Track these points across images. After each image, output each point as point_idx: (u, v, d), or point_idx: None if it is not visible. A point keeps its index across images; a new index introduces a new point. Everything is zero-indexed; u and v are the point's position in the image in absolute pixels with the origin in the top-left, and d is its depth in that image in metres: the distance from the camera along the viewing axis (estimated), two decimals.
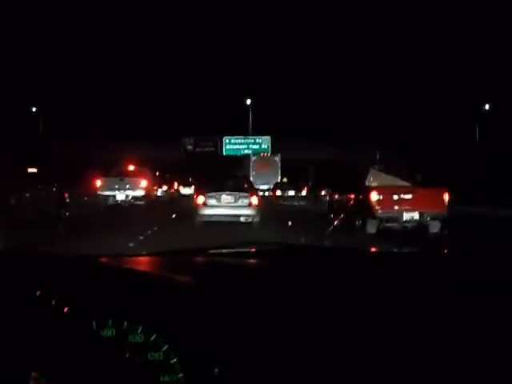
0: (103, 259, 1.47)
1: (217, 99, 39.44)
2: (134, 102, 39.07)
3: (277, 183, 34.43)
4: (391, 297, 1.17)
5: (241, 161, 39.19)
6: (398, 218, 10.62)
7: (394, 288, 1.24)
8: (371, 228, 10.76)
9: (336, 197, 14.76)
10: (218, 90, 40.25)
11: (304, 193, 32.11)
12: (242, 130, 38.68)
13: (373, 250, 2.54)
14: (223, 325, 0.98)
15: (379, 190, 10.74)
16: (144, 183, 19.18)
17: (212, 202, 12.08)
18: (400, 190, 10.99)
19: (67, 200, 12.62)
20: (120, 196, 18.83)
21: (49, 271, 1.16)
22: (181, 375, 0.93)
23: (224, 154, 38.60)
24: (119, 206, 18.57)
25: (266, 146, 38.56)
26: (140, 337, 0.97)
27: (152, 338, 0.96)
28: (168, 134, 35.50)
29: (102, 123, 34.29)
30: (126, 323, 0.98)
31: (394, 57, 36.01)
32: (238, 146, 38.86)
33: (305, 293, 1.16)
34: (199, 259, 1.64)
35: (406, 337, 0.98)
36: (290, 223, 12.60)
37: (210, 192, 12.23)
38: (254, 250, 1.69)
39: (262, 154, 38.50)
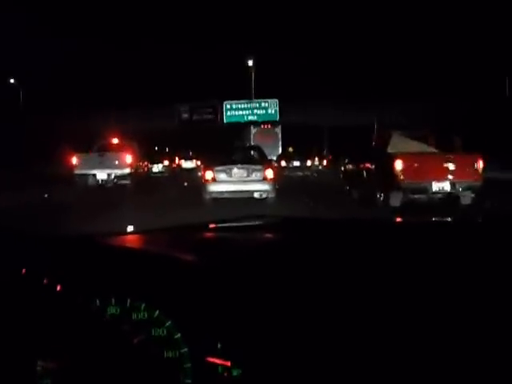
0: (103, 237, 1.53)
1: (214, 61, 38.46)
2: (121, 66, 38.02)
3: (280, 154, 36.16)
4: (406, 271, 1.15)
5: (241, 131, 38.18)
6: (426, 189, 10.18)
7: (408, 262, 1.22)
8: (395, 201, 10.35)
9: (352, 166, 14.27)
10: (214, 50, 39.16)
11: (309, 163, 35.08)
12: (243, 96, 36.91)
13: (392, 220, 2.59)
14: (226, 300, 1.04)
15: (404, 157, 10.27)
16: (129, 159, 17.50)
17: (222, 176, 11.59)
18: (428, 158, 10.56)
19: None
20: (101, 175, 17.19)
21: (48, 251, 1.24)
22: (185, 350, 1.00)
23: (225, 121, 36.67)
24: (98, 188, 16.76)
25: (273, 111, 36.49)
26: (143, 314, 1.04)
27: (155, 315, 1.04)
28: (160, 102, 34.36)
29: (84, 92, 33.39)
30: (129, 301, 1.04)
31: (411, 4, 34.69)
32: (241, 112, 36.73)
33: (311, 267, 1.19)
34: (201, 234, 1.70)
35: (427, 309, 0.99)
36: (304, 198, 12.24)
37: (219, 166, 11.74)
38: (258, 223, 1.75)
39: (262, 126, 38.60)
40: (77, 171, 17.27)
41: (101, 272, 1.12)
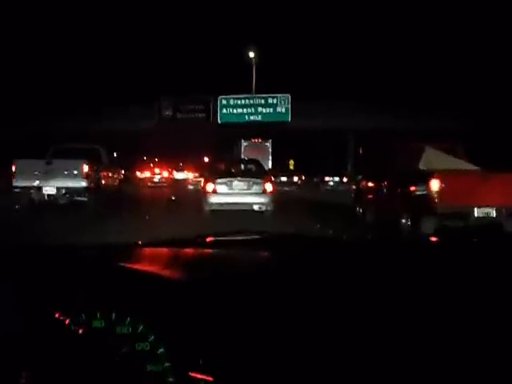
0: (89, 250, 1.78)
1: (209, 52, 37.49)
2: (94, 55, 36.81)
3: (269, 169, 38.58)
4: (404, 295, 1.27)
5: (231, 142, 38.33)
6: (467, 215, 9.46)
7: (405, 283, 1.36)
8: (428, 227, 9.73)
9: (368, 184, 13.56)
10: (209, 38, 38.21)
11: (295, 179, 42.54)
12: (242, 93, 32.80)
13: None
14: (210, 316, 1.15)
15: (442, 176, 9.62)
16: (85, 168, 14.68)
17: (223, 188, 12.98)
18: (470, 177, 9.85)
19: None
20: (47, 188, 14.62)
21: (34, 264, 1.42)
22: (167, 365, 1.11)
23: (219, 121, 32.22)
24: (43, 206, 14.33)
25: (283, 110, 30.81)
26: (128, 328, 1.15)
27: (139, 329, 1.15)
28: (142, 99, 32.88)
29: (50, 89, 31.94)
30: (114, 315, 1.16)
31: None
32: (240, 110, 31.68)
33: (301, 287, 1.32)
34: (192, 249, 1.85)
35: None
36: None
37: (220, 178, 13.14)
38: (247, 239, 1.92)
39: (253, 140, 39.00)
40: (16, 182, 14.66)
41: (87, 285, 1.25)
